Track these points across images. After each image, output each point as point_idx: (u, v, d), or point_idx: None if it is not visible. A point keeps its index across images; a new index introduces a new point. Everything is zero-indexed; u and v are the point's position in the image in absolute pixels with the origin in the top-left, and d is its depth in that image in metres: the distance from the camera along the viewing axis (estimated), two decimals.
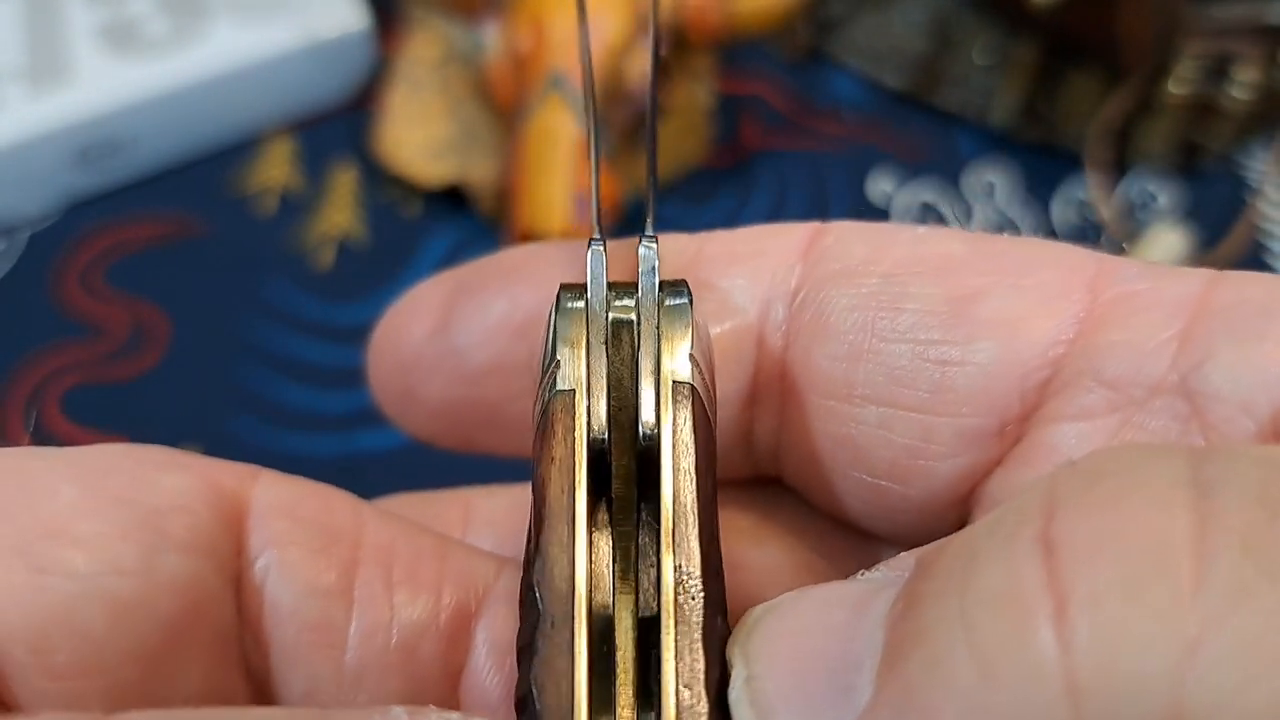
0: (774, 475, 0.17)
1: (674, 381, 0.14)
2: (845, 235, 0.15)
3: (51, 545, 0.13)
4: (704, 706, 0.12)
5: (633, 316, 0.14)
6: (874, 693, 0.11)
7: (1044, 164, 0.48)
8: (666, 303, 0.14)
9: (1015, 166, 0.48)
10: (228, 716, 0.12)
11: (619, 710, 0.13)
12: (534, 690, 0.12)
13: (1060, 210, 0.47)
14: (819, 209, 0.46)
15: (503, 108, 0.44)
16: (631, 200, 0.44)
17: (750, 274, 0.15)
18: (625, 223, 0.45)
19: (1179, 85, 0.46)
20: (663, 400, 0.13)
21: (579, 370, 0.14)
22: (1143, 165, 0.48)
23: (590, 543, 0.13)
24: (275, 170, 0.46)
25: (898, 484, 0.14)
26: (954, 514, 0.16)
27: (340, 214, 0.45)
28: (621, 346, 0.14)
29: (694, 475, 0.13)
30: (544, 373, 0.14)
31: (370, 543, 0.15)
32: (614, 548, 0.13)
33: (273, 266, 0.42)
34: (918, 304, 0.15)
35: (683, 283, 0.14)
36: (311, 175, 0.46)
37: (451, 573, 0.15)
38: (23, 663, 0.13)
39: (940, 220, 0.46)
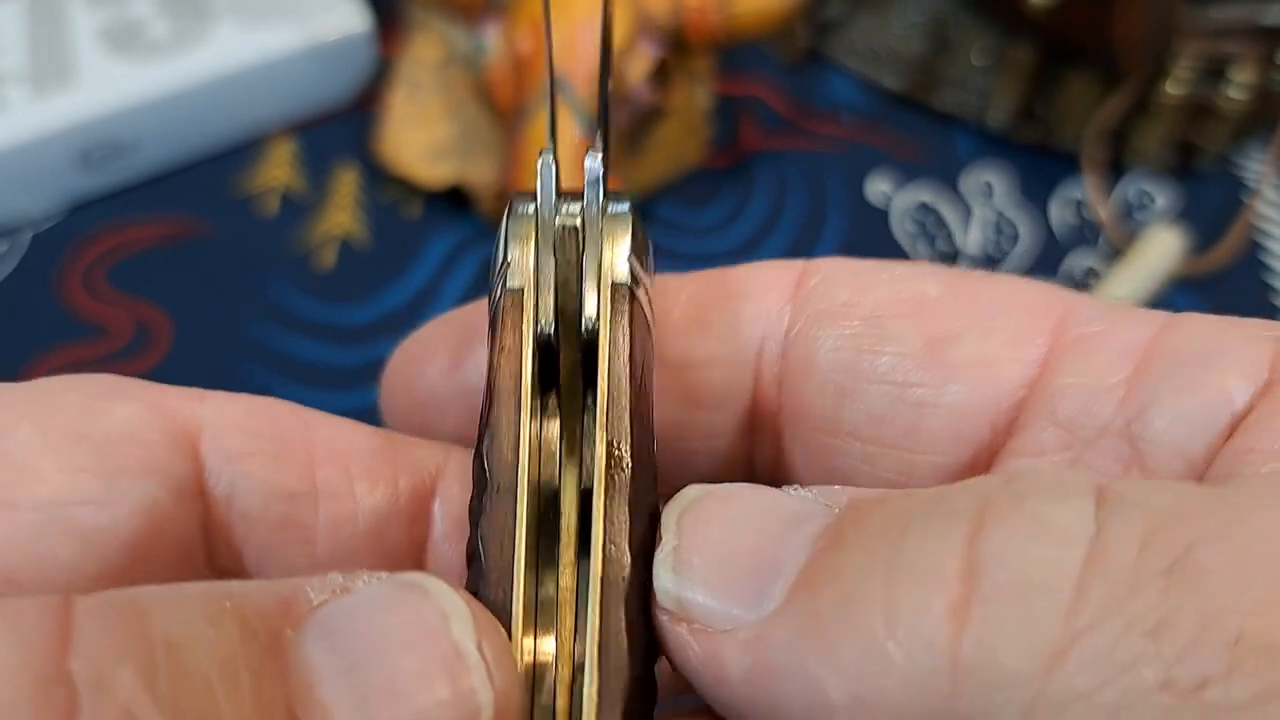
0: None
1: (614, 282, 0.15)
2: (830, 275, 0.16)
3: (15, 481, 0.14)
4: (627, 560, 0.14)
5: (578, 224, 0.15)
6: (783, 603, 0.12)
7: (1041, 165, 0.48)
8: (610, 210, 0.15)
9: (1013, 167, 0.48)
10: (193, 589, 0.12)
11: (561, 566, 0.14)
12: (480, 545, 0.14)
13: (1058, 211, 0.47)
14: (818, 210, 0.46)
15: (503, 110, 0.44)
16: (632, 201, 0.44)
17: (746, 314, 0.17)
18: None
19: (1175, 86, 0.46)
20: (603, 298, 0.15)
21: (528, 269, 0.15)
22: (1139, 166, 0.48)
23: (537, 420, 0.14)
24: (277, 171, 0.47)
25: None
26: None
27: (342, 215, 0.45)
28: (568, 250, 0.15)
29: (628, 365, 0.14)
30: (495, 273, 0.15)
31: (323, 445, 0.16)
32: (561, 430, 0.15)
33: (274, 267, 0.43)
34: (896, 346, 0.16)
35: (625, 193, 0.16)
36: (313, 176, 0.46)
37: (404, 462, 0.17)
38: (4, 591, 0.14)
39: (939, 220, 0.47)
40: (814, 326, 0.16)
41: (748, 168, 0.48)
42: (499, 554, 0.14)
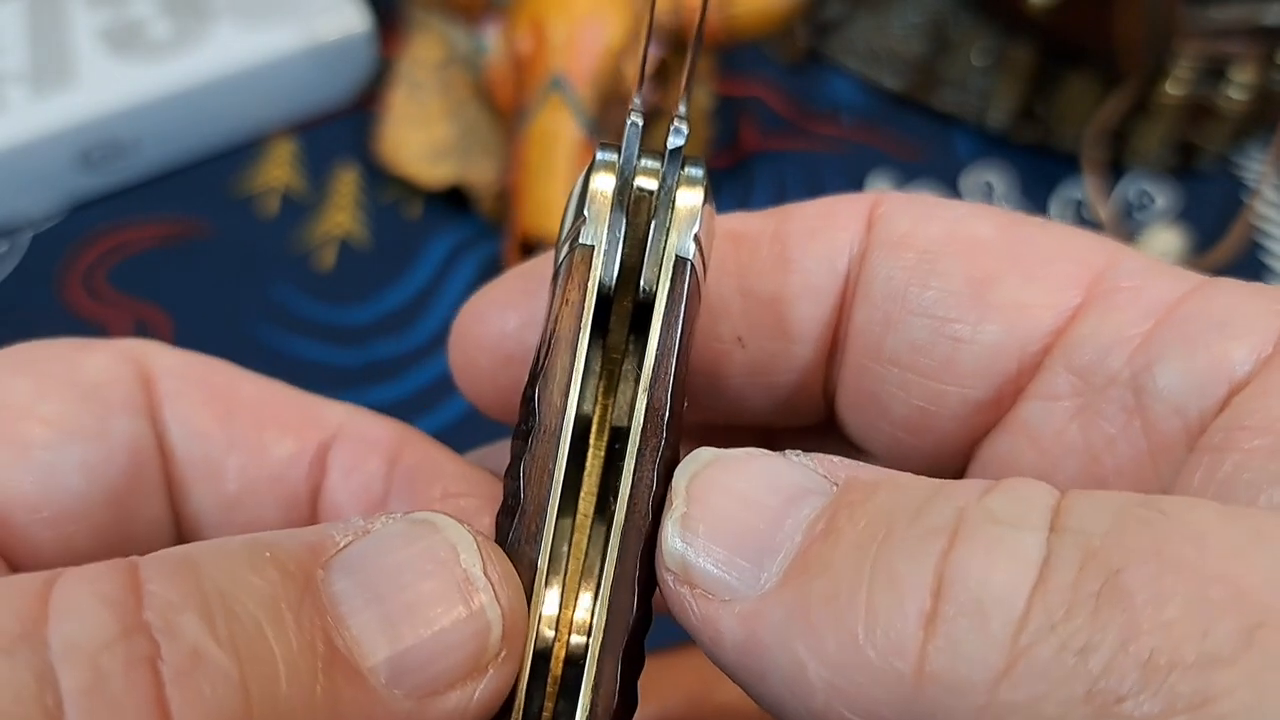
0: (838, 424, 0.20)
1: (677, 255, 0.16)
2: (895, 207, 0.17)
3: (23, 426, 0.17)
4: (648, 515, 0.15)
5: (655, 187, 0.16)
6: (777, 585, 0.13)
7: (1041, 165, 0.48)
8: (684, 184, 0.16)
9: (1012, 167, 0.48)
10: (235, 543, 0.14)
11: (580, 514, 0.16)
12: (520, 480, 0.15)
13: (1058, 211, 0.47)
14: None
15: (503, 110, 0.44)
16: None
17: (827, 249, 0.18)
18: None
19: (1175, 86, 0.46)
20: (664, 272, 0.16)
21: (600, 230, 0.16)
22: (1139, 166, 0.48)
23: (590, 374, 0.16)
24: (277, 172, 0.47)
25: (912, 436, 0.16)
26: (955, 465, 0.18)
27: (341, 215, 0.45)
28: (640, 214, 0.16)
29: (678, 331, 0.16)
30: (570, 225, 0.16)
31: (244, 397, 0.19)
32: (601, 372, 0.16)
33: (274, 267, 0.43)
34: (942, 283, 0.17)
35: (702, 162, 0.16)
36: (313, 177, 0.46)
37: (310, 417, 0.19)
38: (25, 520, 0.17)
39: None
40: (873, 257, 0.17)
41: (748, 168, 0.48)
42: (536, 493, 0.15)
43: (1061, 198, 0.47)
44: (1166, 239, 0.45)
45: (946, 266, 0.17)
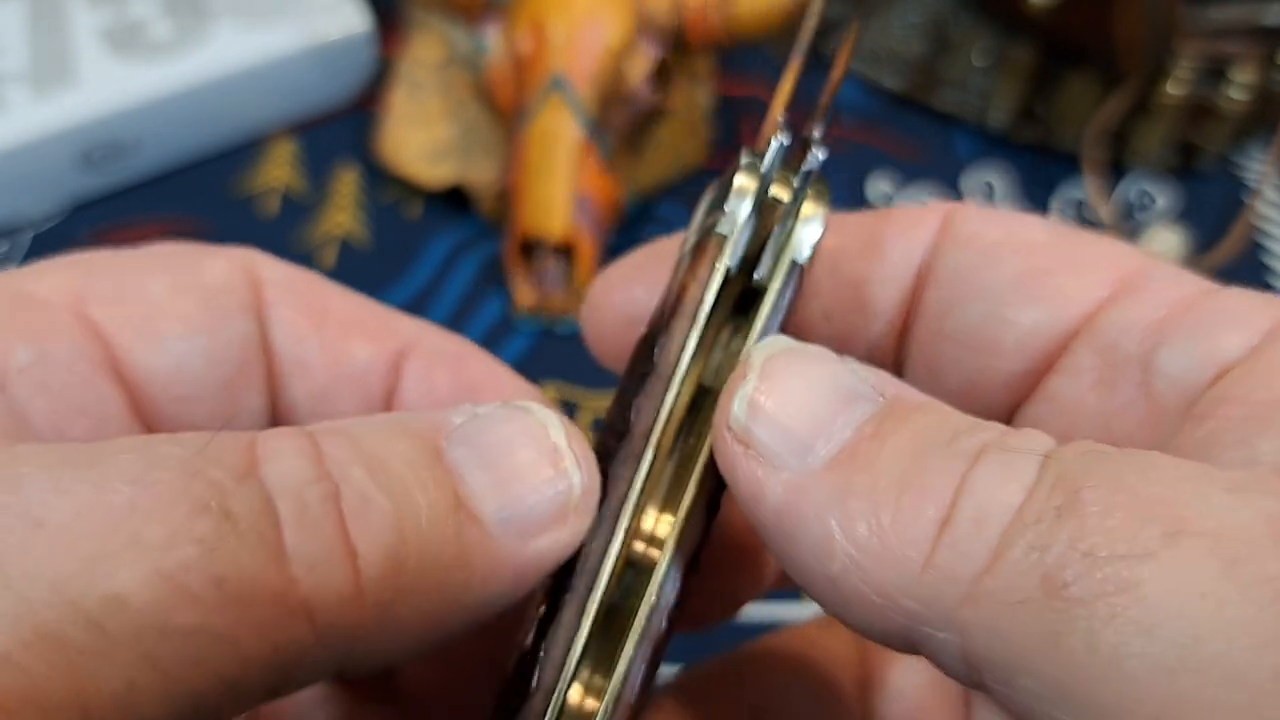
0: None
1: (793, 260, 0.19)
2: (966, 213, 0.20)
3: (161, 321, 0.20)
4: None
5: (787, 197, 0.19)
6: (823, 468, 0.16)
7: (1042, 165, 0.48)
8: (810, 199, 0.19)
9: (1013, 168, 0.48)
10: (379, 419, 0.18)
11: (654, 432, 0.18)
12: (631, 410, 0.18)
13: (1058, 211, 0.47)
14: None
15: (503, 110, 0.44)
16: (632, 201, 0.44)
17: (907, 243, 0.21)
18: (626, 223, 0.45)
19: (1176, 87, 0.46)
20: (779, 269, 0.18)
21: (735, 225, 0.18)
22: (1140, 166, 0.48)
23: (700, 337, 0.19)
24: (277, 172, 0.47)
25: (963, 404, 0.18)
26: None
27: (342, 215, 0.45)
28: (770, 215, 0.19)
29: (778, 321, 0.19)
30: (707, 215, 0.19)
31: (334, 308, 0.22)
32: (702, 336, 0.19)
33: None
34: (997, 274, 0.19)
35: (827, 184, 0.19)
36: (313, 177, 0.47)
37: (388, 329, 0.22)
38: (162, 397, 0.20)
39: None
40: (943, 251, 0.20)
41: None
42: (645, 422, 0.18)
43: (1062, 198, 0.47)
44: (1167, 239, 0.45)
45: (1002, 261, 0.20)
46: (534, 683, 0.18)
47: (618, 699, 0.18)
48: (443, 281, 0.44)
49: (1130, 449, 0.15)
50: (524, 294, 0.42)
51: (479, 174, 0.45)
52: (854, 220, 0.21)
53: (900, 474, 0.16)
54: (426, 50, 0.47)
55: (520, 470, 0.17)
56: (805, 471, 0.16)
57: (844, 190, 0.47)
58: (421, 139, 0.45)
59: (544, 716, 0.18)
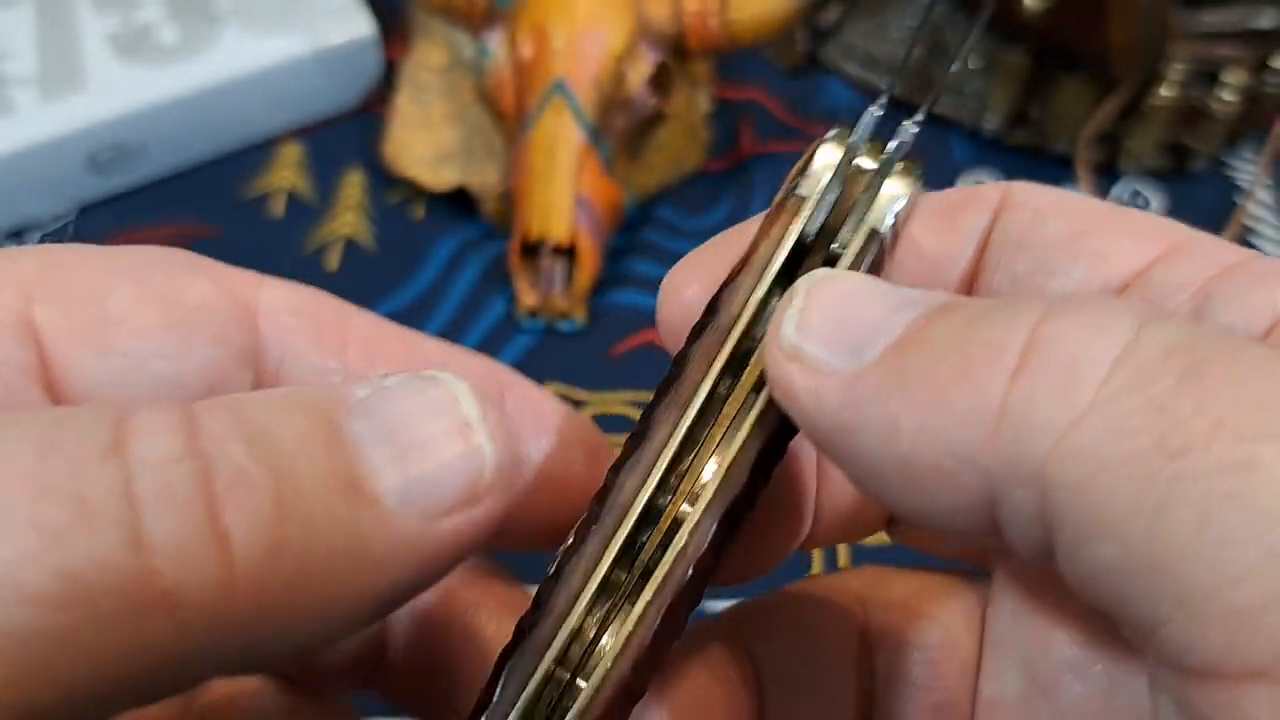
0: None
1: (872, 229, 0.18)
2: (1024, 186, 0.20)
3: (113, 330, 0.18)
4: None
5: (874, 166, 0.19)
6: (876, 359, 0.16)
7: (1035, 168, 0.49)
8: (897, 172, 0.19)
9: (1007, 171, 0.49)
10: (273, 392, 0.16)
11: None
12: (684, 363, 0.18)
13: None
14: None
15: (506, 114, 0.44)
16: (633, 204, 0.45)
17: (974, 213, 0.20)
18: (626, 226, 0.45)
19: (1168, 89, 0.46)
20: (857, 236, 0.18)
21: (819, 187, 0.18)
22: (1133, 169, 0.48)
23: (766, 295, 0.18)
24: (283, 174, 0.47)
25: None
26: None
27: (348, 217, 0.46)
28: (855, 186, 0.19)
29: None
30: (794, 175, 0.19)
31: (355, 334, 0.20)
32: (767, 300, 0.19)
33: (281, 269, 0.43)
34: (1047, 232, 0.19)
35: (920, 166, 0.19)
36: (319, 179, 0.47)
37: (416, 355, 0.21)
38: None
39: None
40: (1001, 216, 0.20)
41: (747, 170, 0.48)
42: (694, 372, 0.18)
43: None
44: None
45: (1052, 222, 0.20)
46: (547, 609, 0.18)
47: (629, 637, 0.17)
48: (447, 282, 0.44)
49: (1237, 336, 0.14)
50: (526, 295, 0.42)
51: (482, 177, 0.45)
52: (934, 198, 0.21)
53: (959, 337, 0.15)
54: (430, 55, 0.47)
55: (425, 445, 0.16)
56: (859, 368, 0.16)
57: None
58: (425, 142, 0.46)
59: (550, 643, 0.17)
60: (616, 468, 0.18)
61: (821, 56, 0.52)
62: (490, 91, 0.45)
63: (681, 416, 0.18)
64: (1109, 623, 0.15)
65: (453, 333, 0.43)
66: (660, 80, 0.44)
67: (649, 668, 0.18)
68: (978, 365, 0.15)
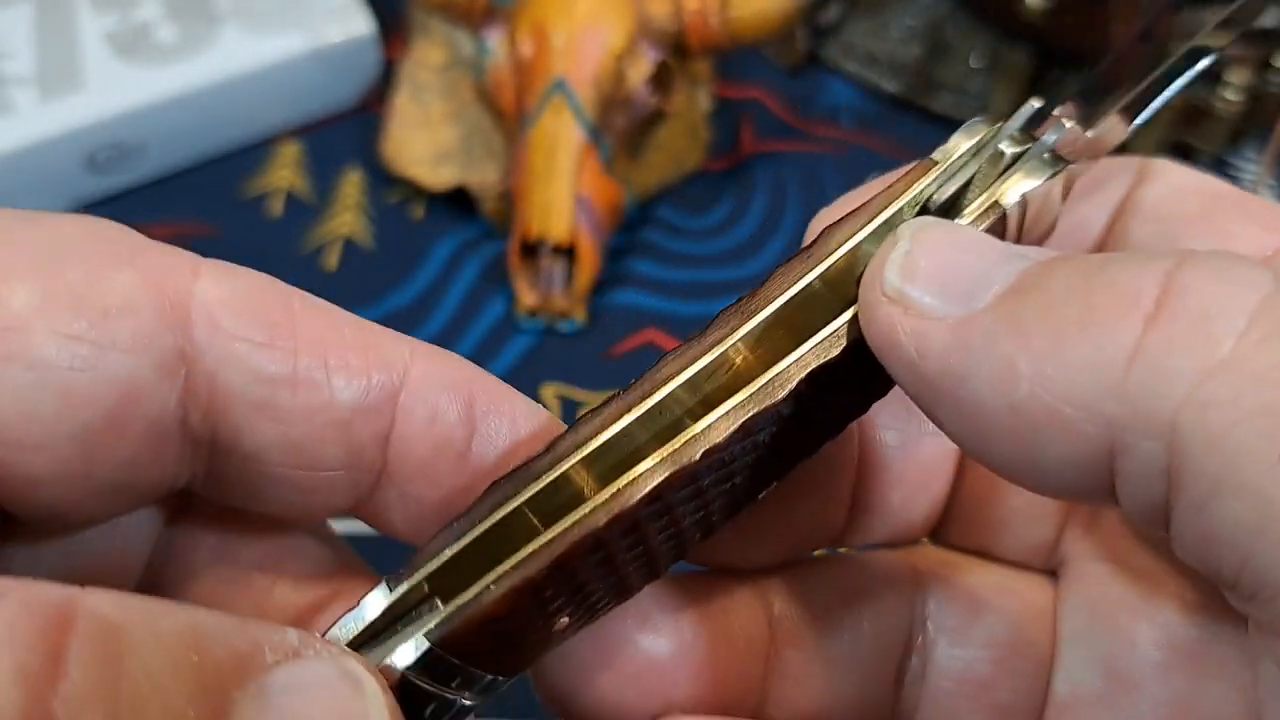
0: None
1: (995, 200, 0.18)
2: (1163, 164, 0.21)
3: (15, 338, 0.16)
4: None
5: (1018, 150, 0.18)
6: (989, 304, 0.15)
7: None
8: (1034, 158, 0.18)
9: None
10: (171, 630, 0.14)
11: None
12: (768, 278, 0.18)
13: None
14: (816, 213, 0.47)
15: (506, 113, 0.44)
16: (633, 203, 0.45)
17: (1114, 184, 0.21)
18: (626, 225, 0.45)
19: None
20: (978, 202, 0.18)
21: (949, 154, 0.18)
22: None
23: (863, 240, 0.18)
24: (282, 174, 0.47)
25: None
26: None
27: (346, 217, 0.46)
28: (994, 163, 0.18)
29: None
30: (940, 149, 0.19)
31: (305, 333, 0.18)
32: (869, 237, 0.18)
33: (280, 269, 0.43)
34: (1182, 207, 0.19)
35: (1064, 161, 0.18)
36: (318, 179, 0.47)
37: (376, 358, 0.18)
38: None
39: None
40: (1137, 189, 0.20)
41: (748, 170, 0.48)
42: (774, 286, 0.18)
43: None
44: None
45: (1187, 199, 0.20)
46: (552, 452, 0.17)
47: (611, 498, 0.17)
48: (446, 282, 0.44)
49: None
50: (526, 295, 0.42)
51: (481, 176, 0.45)
52: (1076, 170, 0.21)
53: (1083, 282, 0.14)
54: (430, 54, 0.47)
55: None
56: (970, 312, 0.15)
57: (842, 192, 0.47)
58: (425, 141, 0.46)
59: (538, 478, 0.17)
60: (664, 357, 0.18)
61: (822, 55, 0.52)
62: (490, 90, 0.45)
63: (743, 323, 0.17)
64: (1210, 595, 0.15)
65: (452, 333, 0.43)
66: (660, 79, 0.44)
67: (621, 537, 0.17)
68: (1108, 310, 0.14)
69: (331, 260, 0.44)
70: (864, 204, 0.18)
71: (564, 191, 0.41)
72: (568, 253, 0.41)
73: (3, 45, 0.46)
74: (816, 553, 0.22)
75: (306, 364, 0.18)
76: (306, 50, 0.47)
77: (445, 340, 0.42)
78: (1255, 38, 0.46)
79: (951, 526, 0.22)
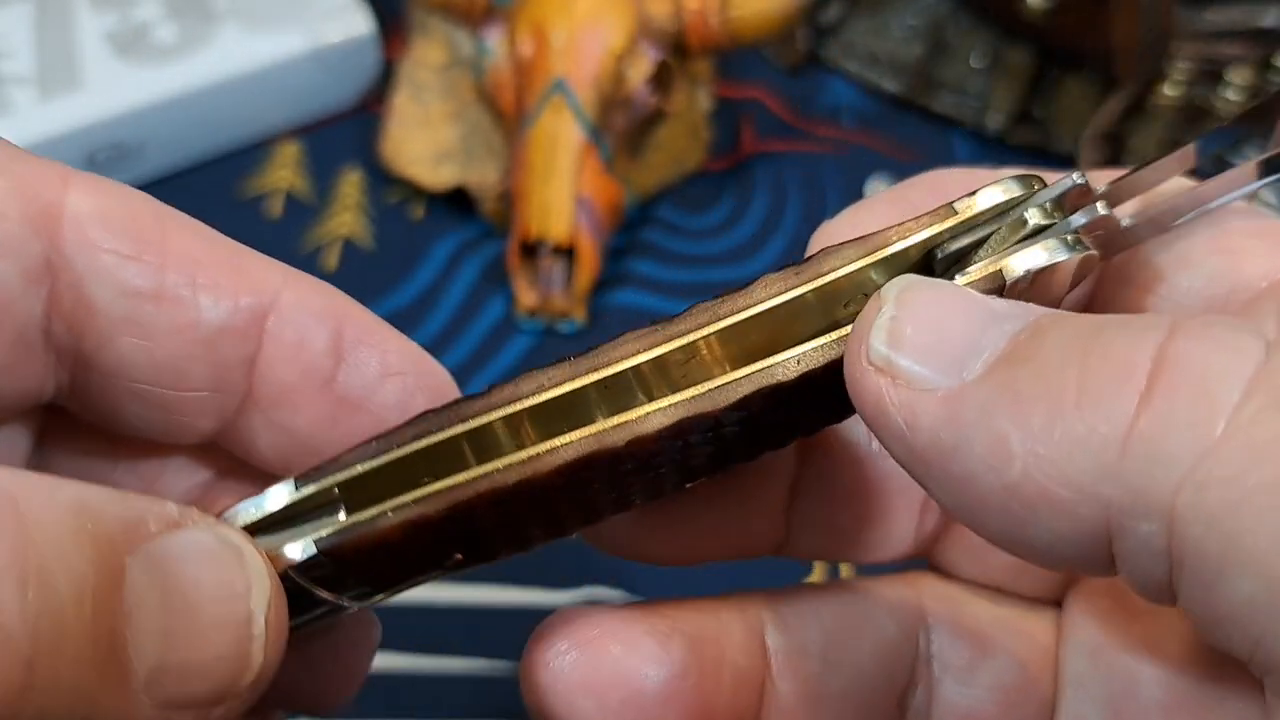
0: None
1: (1000, 268, 0.17)
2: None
3: None
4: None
5: (1042, 223, 0.18)
6: (981, 375, 0.15)
7: (1038, 167, 0.48)
8: (1059, 240, 0.17)
9: (1010, 170, 0.48)
10: (64, 503, 0.14)
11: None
12: (757, 279, 0.18)
13: None
14: (817, 212, 0.47)
15: (505, 112, 0.44)
16: (633, 203, 0.45)
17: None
18: (626, 225, 0.45)
19: (1172, 89, 0.46)
20: (983, 266, 0.17)
21: (973, 208, 0.18)
22: None
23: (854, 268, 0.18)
24: (281, 174, 0.47)
25: None
26: None
27: (346, 217, 0.46)
28: (1020, 228, 0.18)
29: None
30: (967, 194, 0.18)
31: (175, 250, 0.18)
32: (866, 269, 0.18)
33: None
34: (1190, 227, 0.19)
35: (1085, 247, 0.17)
36: (317, 179, 0.47)
37: (246, 280, 0.18)
38: None
39: None
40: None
41: (748, 170, 0.48)
42: (759, 290, 0.18)
43: None
44: None
45: (1197, 224, 0.19)
46: (489, 396, 0.17)
47: (525, 462, 0.17)
48: (446, 282, 0.44)
49: None
50: (526, 295, 0.42)
51: (481, 176, 0.45)
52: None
53: (1077, 353, 0.14)
54: (429, 53, 0.47)
55: (197, 631, 0.15)
56: (961, 384, 0.15)
57: (841, 193, 0.47)
58: (424, 141, 0.46)
59: (466, 419, 0.17)
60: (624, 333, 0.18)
61: (823, 55, 0.52)
62: (489, 90, 0.45)
63: (716, 320, 0.17)
64: (1222, 666, 0.14)
65: (452, 333, 0.43)
66: (660, 79, 0.44)
67: (528, 498, 0.17)
68: (1102, 385, 0.13)
69: (331, 260, 0.44)
70: (868, 235, 0.18)
71: (564, 191, 0.41)
72: (568, 253, 0.41)
73: (2, 45, 0.46)
74: (814, 578, 0.22)
75: (174, 280, 0.18)
76: (306, 50, 0.47)
77: (445, 341, 0.42)
78: (1256, 37, 0.46)
79: (950, 549, 0.22)
